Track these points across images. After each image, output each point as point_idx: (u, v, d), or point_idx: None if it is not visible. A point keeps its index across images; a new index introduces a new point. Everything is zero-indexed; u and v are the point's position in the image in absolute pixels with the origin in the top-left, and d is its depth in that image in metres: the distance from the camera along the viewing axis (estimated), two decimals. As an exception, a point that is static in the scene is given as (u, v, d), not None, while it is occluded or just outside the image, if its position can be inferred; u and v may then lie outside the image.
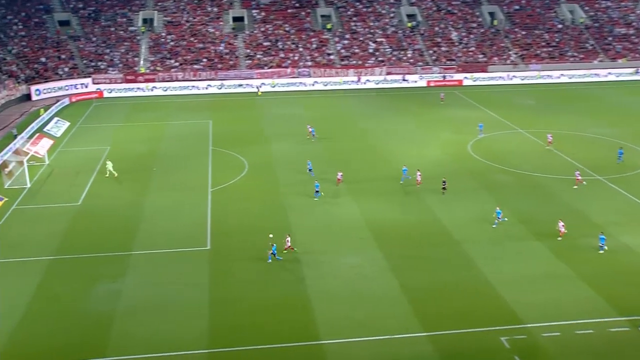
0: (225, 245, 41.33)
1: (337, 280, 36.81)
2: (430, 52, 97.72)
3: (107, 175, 53.75)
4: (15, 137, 66.01)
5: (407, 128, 69.40)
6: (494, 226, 43.26)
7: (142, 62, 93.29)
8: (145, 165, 57.89)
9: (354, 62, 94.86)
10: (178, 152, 61.62)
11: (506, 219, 43.80)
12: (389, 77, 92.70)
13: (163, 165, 57.86)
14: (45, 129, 69.51)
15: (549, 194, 49.29)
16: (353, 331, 32.04)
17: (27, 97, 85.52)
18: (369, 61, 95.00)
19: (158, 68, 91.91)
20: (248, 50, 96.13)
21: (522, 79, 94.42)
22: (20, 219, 46.59)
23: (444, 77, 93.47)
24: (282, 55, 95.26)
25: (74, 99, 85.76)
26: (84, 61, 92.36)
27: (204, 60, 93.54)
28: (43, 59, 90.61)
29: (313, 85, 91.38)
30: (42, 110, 77.42)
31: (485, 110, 76.82)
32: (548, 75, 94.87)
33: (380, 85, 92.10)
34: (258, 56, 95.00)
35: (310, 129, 65.34)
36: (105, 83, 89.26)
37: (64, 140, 67.41)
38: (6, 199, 49.81)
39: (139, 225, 44.46)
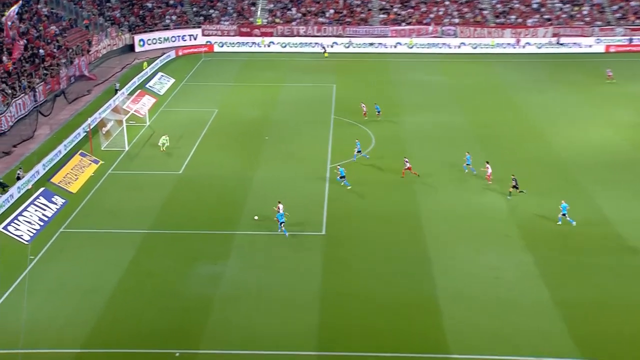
0: (343, 231, 41.90)
1: (473, 282, 36.39)
2: (614, 7, 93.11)
3: (162, 150, 55.16)
4: (116, 91, 69.98)
5: (574, 104, 66.92)
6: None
7: (259, 12, 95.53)
8: (257, 133, 59.51)
9: (513, 19, 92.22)
10: (295, 120, 62.85)
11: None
12: (555, 40, 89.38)
13: (277, 134, 59.25)
14: (147, 85, 73.01)
15: None
16: (489, 346, 31.58)
17: (130, 47, 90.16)
18: (532, 19, 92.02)
19: (277, 20, 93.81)
20: (383, 2, 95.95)
21: None
22: (116, 185, 49.43)
23: (631, 40, 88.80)
24: (423, 9, 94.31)
25: (180, 53, 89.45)
26: (194, 8, 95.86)
27: (331, 12, 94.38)
28: (149, 5, 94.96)
29: (459, 47, 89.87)
30: (145, 63, 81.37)
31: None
32: None
33: (544, 50, 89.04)
34: (395, 10, 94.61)
35: (363, 107, 62.58)
36: (216, 35, 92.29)
37: (167, 99, 70.52)
38: (102, 162, 52.99)
39: (246, 202, 45.89)
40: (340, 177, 48.00)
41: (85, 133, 58.00)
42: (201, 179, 49.99)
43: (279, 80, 77.16)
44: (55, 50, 75.08)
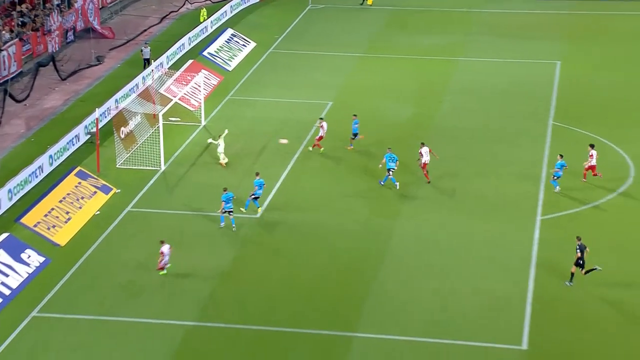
0: (563, 347, 41.10)
1: None
2: None
3: (222, 161, 56.67)
4: (146, 62, 71.64)
5: None
6: None
7: None
8: (405, 147, 59.26)
9: None
10: (475, 126, 63.17)
11: None
12: None
13: (443, 152, 58.77)
14: (205, 53, 74.73)
15: None
16: None
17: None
18: None
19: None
20: None
21: None
22: (140, 234, 50.23)
23: None
24: None
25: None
26: None
27: None
28: None
29: None
30: (203, 11, 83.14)
31: None
32: None
33: None
34: None
35: (322, 127, 59.30)
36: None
37: (240, 78, 72.02)
38: (116, 191, 54.00)
39: (376, 277, 45.78)
40: (253, 197, 50.61)
41: (90, 136, 59.42)
42: (294, 230, 50.31)
43: (452, 50, 78.09)
44: (43, -18, 77.62)
